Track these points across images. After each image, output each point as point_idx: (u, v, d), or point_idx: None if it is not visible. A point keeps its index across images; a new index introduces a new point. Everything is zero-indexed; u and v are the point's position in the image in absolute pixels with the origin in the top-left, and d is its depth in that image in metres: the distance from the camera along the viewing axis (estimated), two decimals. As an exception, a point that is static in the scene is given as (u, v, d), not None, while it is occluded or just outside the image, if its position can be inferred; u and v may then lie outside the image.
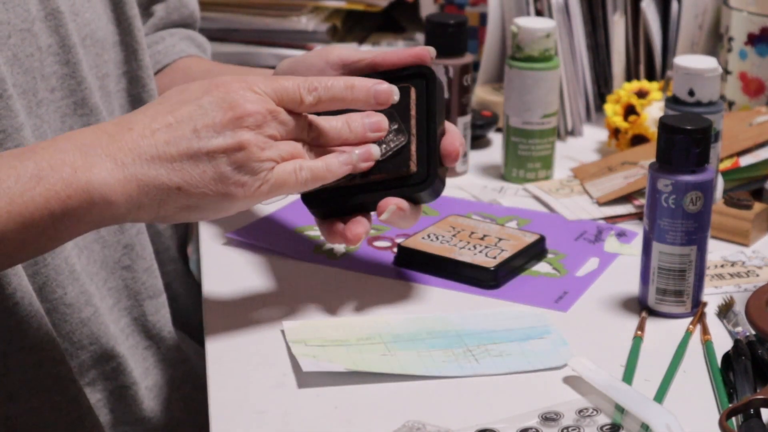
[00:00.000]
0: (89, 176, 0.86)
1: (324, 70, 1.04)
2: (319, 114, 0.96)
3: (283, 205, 1.21)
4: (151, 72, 1.12)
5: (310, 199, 1.00)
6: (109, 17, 1.08)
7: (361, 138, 0.96)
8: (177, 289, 1.20)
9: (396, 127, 1.00)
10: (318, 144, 0.96)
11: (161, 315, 1.11)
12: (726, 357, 0.95)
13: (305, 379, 0.93)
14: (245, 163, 0.90)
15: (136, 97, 1.11)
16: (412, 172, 0.99)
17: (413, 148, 1.00)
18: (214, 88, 0.91)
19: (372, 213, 1.01)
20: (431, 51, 1.02)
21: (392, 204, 0.98)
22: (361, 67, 1.03)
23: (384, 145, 0.99)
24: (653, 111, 1.36)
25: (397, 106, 1.00)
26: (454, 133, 1.02)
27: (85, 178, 0.86)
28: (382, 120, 0.97)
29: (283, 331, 0.99)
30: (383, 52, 1.03)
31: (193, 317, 1.20)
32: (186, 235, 1.26)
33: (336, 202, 1.00)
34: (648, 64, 1.50)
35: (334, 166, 0.94)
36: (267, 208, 1.21)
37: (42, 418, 0.99)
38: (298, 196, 1.15)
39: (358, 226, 0.99)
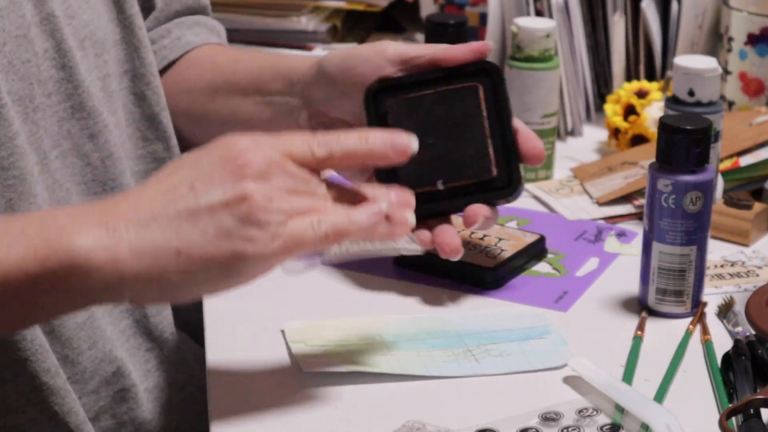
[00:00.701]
0: (75, 238, 0.80)
1: (382, 66, 1.02)
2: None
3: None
4: (156, 69, 1.11)
5: None
6: (109, 17, 1.08)
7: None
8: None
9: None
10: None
11: (163, 316, 1.11)
12: (726, 357, 0.95)
13: (305, 379, 0.93)
14: (251, 214, 0.81)
15: (139, 95, 1.10)
16: (494, 176, 1.00)
17: (491, 150, 0.99)
18: (213, 147, 0.85)
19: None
20: (490, 45, 1.01)
21: (481, 215, 0.98)
22: (421, 63, 1.02)
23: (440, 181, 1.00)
24: (653, 111, 1.36)
25: (469, 105, 1.00)
26: (528, 132, 1.00)
27: (69, 240, 0.80)
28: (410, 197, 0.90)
29: (283, 332, 0.99)
30: (443, 48, 1.01)
31: (194, 319, 1.20)
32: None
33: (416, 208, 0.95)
34: (648, 64, 1.50)
35: (360, 218, 0.85)
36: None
37: (38, 430, 0.99)
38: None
39: (453, 237, 0.98)
